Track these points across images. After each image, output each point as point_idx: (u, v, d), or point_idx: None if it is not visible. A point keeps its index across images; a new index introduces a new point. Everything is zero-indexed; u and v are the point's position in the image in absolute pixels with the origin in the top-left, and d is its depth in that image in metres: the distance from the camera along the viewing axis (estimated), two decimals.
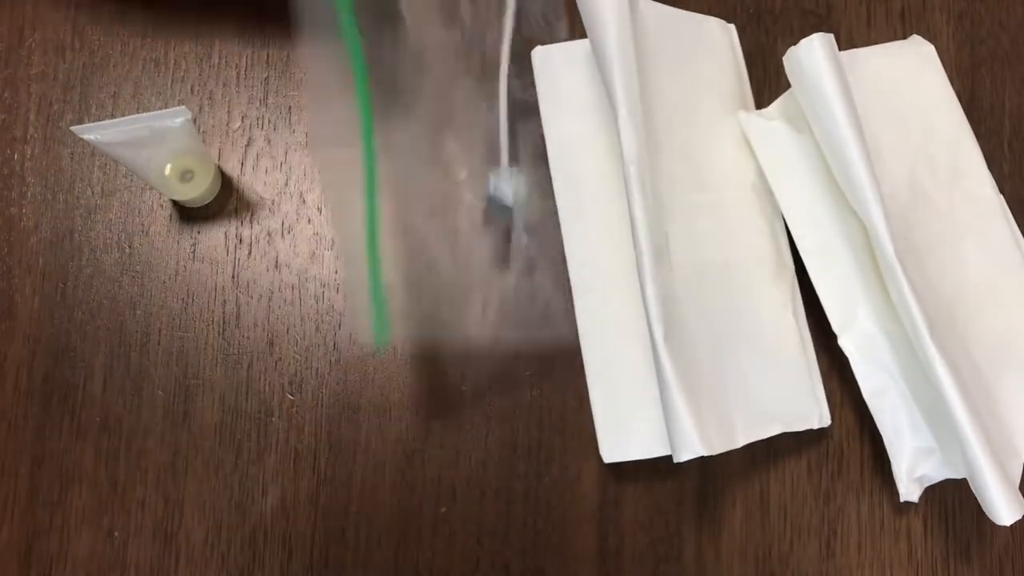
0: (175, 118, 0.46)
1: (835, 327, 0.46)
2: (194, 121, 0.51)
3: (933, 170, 0.49)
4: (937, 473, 0.45)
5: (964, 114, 0.50)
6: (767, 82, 0.53)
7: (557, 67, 0.50)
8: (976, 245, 0.48)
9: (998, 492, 0.40)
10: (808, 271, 0.47)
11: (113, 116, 0.52)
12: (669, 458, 0.41)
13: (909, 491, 0.45)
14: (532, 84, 0.50)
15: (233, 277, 0.49)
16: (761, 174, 0.49)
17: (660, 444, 0.45)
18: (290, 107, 0.52)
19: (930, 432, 0.45)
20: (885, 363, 0.45)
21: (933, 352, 0.41)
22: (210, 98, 0.52)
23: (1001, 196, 0.49)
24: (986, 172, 0.49)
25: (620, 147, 0.42)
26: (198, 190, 0.48)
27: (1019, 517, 0.40)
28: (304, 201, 0.50)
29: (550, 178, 0.50)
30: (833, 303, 0.46)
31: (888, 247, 0.42)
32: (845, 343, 0.46)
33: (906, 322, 0.42)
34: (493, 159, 0.49)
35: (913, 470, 0.45)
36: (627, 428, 0.45)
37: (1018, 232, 0.48)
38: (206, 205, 0.50)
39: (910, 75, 0.51)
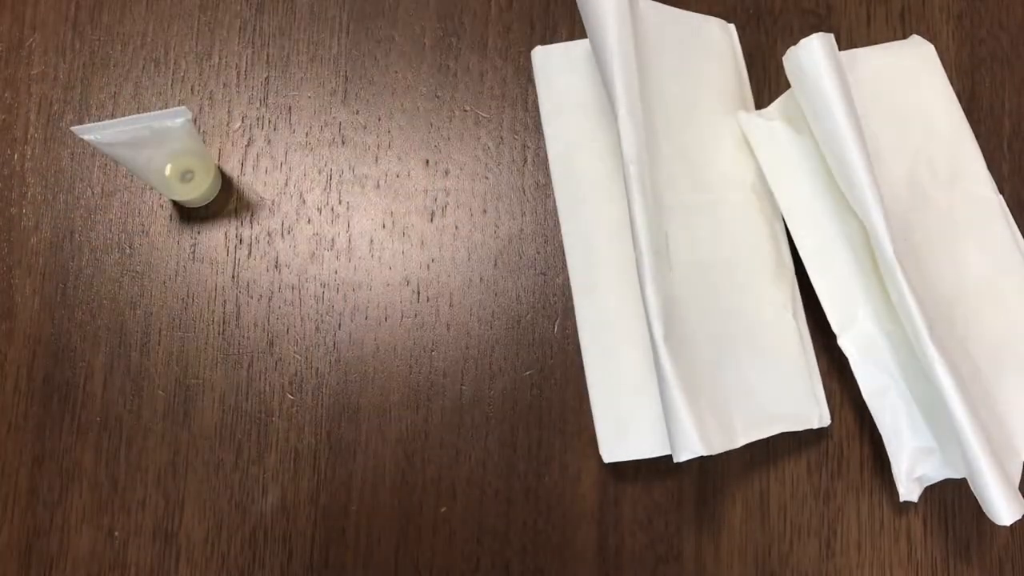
0: (175, 118, 0.45)
1: (835, 327, 0.46)
2: (194, 121, 0.51)
3: (933, 170, 0.49)
4: (937, 473, 0.45)
5: (964, 114, 0.50)
6: (767, 82, 0.53)
7: (557, 67, 0.51)
8: (976, 245, 0.48)
9: (998, 492, 0.40)
10: (808, 271, 0.47)
11: (113, 116, 0.52)
12: (669, 458, 0.41)
13: (909, 491, 0.45)
14: None
15: (233, 277, 0.49)
16: (761, 174, 0.49)
17: (660, 444, 0.45)
18: (290, 107, 0.52)
19: (930, 432, 0.45)
20: (885, 363, 0.45)
21: (933, 352, 0.41)
22: (210, 98, 0.52)
23: (1001, 196, 0.49)
24: (986, 172, 0.49)
25: (620, 147, 0.42)
26: (198, 190, 0.48)
27: (1019, 517, 0.40)
28: (304, 201, 0.50)
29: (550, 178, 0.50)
30: (833, 303, 0.46)
31: (888, 248, 0.42)
32: (845, 343, 0.46)
33: (906, 322, 0.42)
34: None
35: (913, 470, 0.45)
36: (627, 428, 0.45)
37: (1018, 232, 0.48)
38: (206, 205, 0.50)
39: (910, 75, 0.51)
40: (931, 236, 0.47)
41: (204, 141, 0.51)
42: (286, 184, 0.51)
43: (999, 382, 0.45)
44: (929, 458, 0.45)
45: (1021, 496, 0.41)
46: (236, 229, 0.50)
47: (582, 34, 0.52)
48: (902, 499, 0.45)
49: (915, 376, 0.45)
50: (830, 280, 0.47)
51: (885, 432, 0.45)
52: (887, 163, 0.48)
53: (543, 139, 0.50)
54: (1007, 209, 0.49)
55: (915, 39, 0.52)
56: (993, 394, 0.45)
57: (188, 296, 0.49)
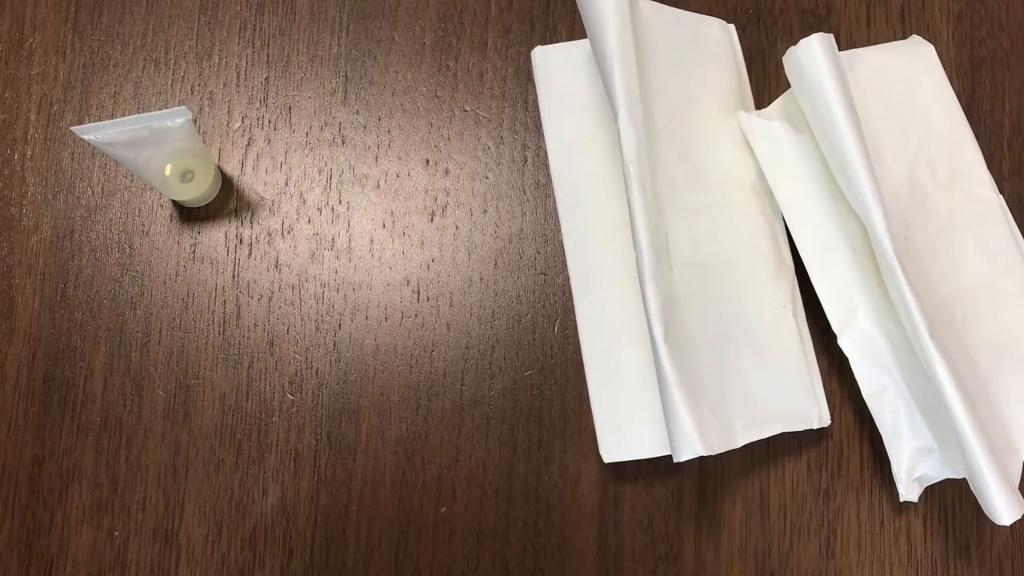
0: (175, 118, 0.45)
1: (835, 327, 0.46)
2: (194, 121, 0.51)
3: (932, 170, 0.49)
4: (937, 473, 0.45)
5: (964, 114, 0.50)
6: (767, 82, 0.53)
7: (557, 67, 0.50)
8: (976, 245, 0.48)
9: (997, 492, 0.40)
10: (808, 271, 0.47)
11: (113, 116, 0.52)
12: (669, 458, 0.41)
13: (909, 491, 0.45)
14: None
15: (233, 277, 0.49)
16: (761, 174, 0.49)
17: (660, 444, 0.45)
18: (290, 107, 0.52)
19: (929, 432, 0.45)
20: (885, 363, 0.45)
21: (932, 352, 0.41)
22: (210, 98, 0.52)
23: (1000, 196, 0.49)
24: (986, 172, 0.49)
25: (620, 147, 0.42)
26: (198, 190, 0.48)
27: (1018, 517, 0.40)
28: (304, 201, 0.50)
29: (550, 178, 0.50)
30: (833, 303, 0.46)
31: (888, 247, 0.42)
32: (845, 343, 0.46)
33: (905, 321, 0.42)
34: None
35: (913, 470, 0.45)
36: (627, 428, 0.45)
37: (1017, 232, 0.48)
38: (206, 205, 0.50)
39: (910, 75, 0.51)
40: (931, 236, 0.47)
41: (204, 141, 0.51)
42: (286, 184, 0.51)
43: (998, 381, 0.45)
44: (929, 458, 0.45)
45: (1021, 496, 0.41)
46: (236, 229, 0.50)
47: (582, 34, 0.52)
48: (902, 499, 0.45)
49: (915, 376, 0.45)
50: (830, 280, 0.47)
51: (885, 432, 0.45)
52: (887, 163, 0.48)
53: (543, 139, 0.50)
54: (1007, 209, 0.49)
55: (915, 39, 0.52)
56: (992, 393, 0.45)
57: (188, 296, 0.49)
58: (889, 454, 0.45)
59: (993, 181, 0.49)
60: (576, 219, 0.49)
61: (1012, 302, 0.47)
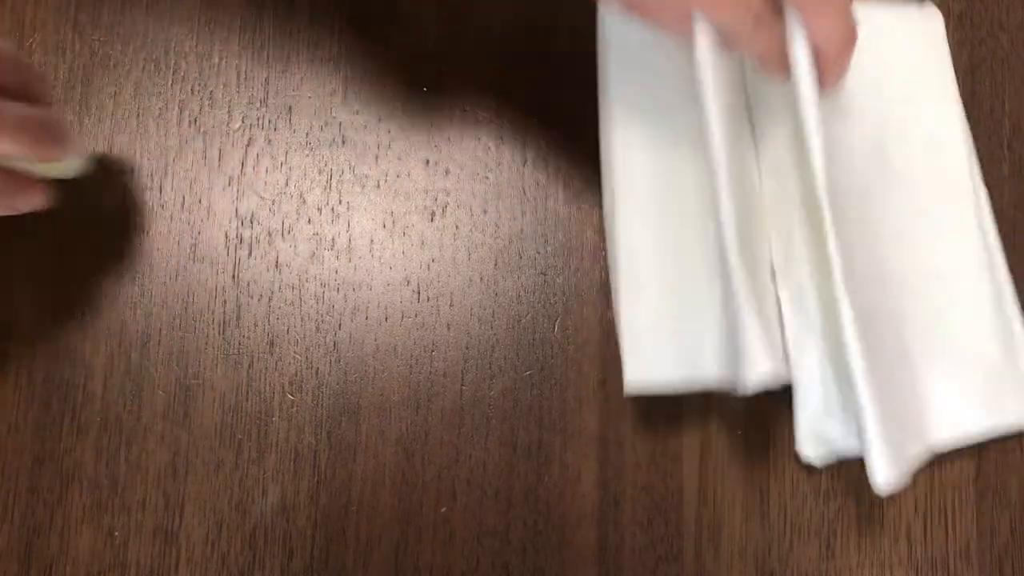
0: None
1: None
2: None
3: (904, 138, 0.47)
4: (844, 443, 0.43)
5: (958, 93, 0.49)
6: None
7: (633, 38, 0.46)
8: (934, 226, 0.47)
9: (880, 450, 0.38)
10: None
11: (113, 116, 0.52)
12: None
13: (813, 451, 0.44)
14: None
15: (233, 277, 0.49)
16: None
17: (720, 367, 0.39)
18: (290, 107, 0.52)
19: (840, 396, 0.43)
20: (813, 319, 0.44)
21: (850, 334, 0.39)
22: (210, 98, 0.52)
23: (978, 180, 0.48)
24: (964, 156, 0.48)
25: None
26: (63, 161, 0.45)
27: (894, 482, 0.38)
28: (304, 201, 0.50)
29: None
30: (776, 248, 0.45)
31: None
32: (781, 292, 0.44)
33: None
34: None
35: (819, 430, 0.44)
36: (678, 342, 0.40)
37: (986, 217, 0.48)
38: (201, 203, 0.50)
39: (909, 39, 0.49)
40: (890, 210, 0.46)
41: (204, 141, 0.51)
42: (286, 184, 0.51)
43: (927, 368, 0.45)
44: (834, 421, 0.43)
45: (904, 462, 0.40)
46: (236, 229, 0.50)
47: None
48: (803, 460, 0.44)
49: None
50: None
51: (799, 392, 0.43)
52: (852, 117, 0.46)
53: (544, 139, 0.50)
54: (981, 193, 0.48)
55: (929, 9, 0.51)
56: (918, 379, 0.44)
57: (188, 296, 0.49)
58: (795, 410, 0.44)
59: (975, 166, 0.48)
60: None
61: (958, 288, 0.46)
